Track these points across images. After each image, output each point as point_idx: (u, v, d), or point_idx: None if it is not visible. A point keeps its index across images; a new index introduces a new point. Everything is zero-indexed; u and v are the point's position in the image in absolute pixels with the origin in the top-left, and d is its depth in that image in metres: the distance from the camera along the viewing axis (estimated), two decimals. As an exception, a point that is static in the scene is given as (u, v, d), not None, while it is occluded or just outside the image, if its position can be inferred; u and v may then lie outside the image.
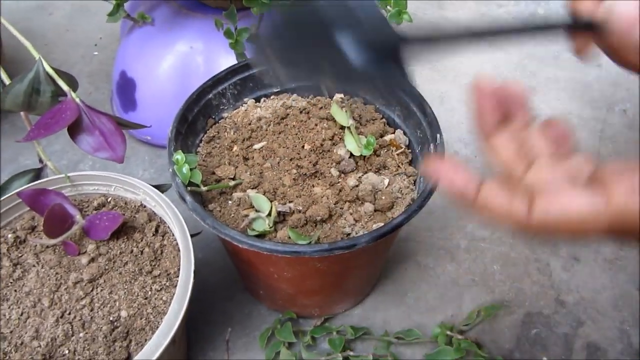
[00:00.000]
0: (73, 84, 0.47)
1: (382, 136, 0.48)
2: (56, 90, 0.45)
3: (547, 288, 0.56)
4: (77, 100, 0.44)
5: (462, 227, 0.61)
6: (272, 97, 0.52)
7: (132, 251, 0.41)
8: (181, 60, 0.63)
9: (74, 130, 0.43)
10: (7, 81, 0.49)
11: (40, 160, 0.51)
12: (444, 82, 0.76)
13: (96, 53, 0.82)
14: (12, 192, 0.42)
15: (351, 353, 0.49)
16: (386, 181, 0.45)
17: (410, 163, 0.47)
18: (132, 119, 0.67)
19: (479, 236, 0.60)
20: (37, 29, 0.86)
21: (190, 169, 0.42)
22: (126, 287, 0.40)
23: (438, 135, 0.43)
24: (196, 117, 0.47)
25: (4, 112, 0.69)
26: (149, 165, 0.67)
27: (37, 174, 0.51)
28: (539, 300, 0.55)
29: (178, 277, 0.40)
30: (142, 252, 0.41)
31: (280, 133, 0.48)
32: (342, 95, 0.51)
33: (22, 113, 0.50)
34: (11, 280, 0.40)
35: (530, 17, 0.87)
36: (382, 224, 0.41)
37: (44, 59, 0.47)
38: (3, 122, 0.72)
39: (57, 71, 0.46)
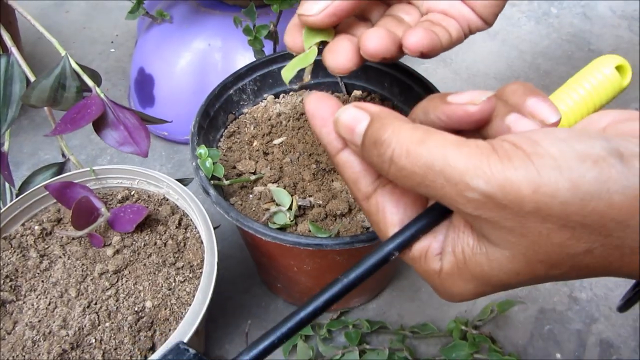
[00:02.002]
0: (97, 79, 0.48)
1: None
2: (81, 86, 0.46)
3: (560, 285, 0.56)
4: (102, 95, 0.45)
5: (476, 223, 0.61)
6: (291, 93, 0.52)
7: (155, 243, 0.42)
8: (199, 57, 0.64)
9: (99, 125, 0.44)
10: (31, 77, 0.50)
11: (63, 155, 0.52)
12: (458, 80, 0.77)
13: (113, 50, 0.83)
14: (39, 185, 0.43)
15: (367, 346, 0.50)
16: (404, 177, 0.45)
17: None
18: (150, 114, 0.68)
19: (493, 233, 0.60)
20: (54, 27, 0.87)
21: (213, 163, 0.42)
22: (150, 278, 0.40)
23: (456, 132, 0.44)
24: (217, 112, 0.48)
25: (24, 107, 0.70)
26: (166, 161, 0.68)
27: (60, 168, 0.51)
28: (552, 297, 0.56)
29: (201, 269, 0.41)
30: (165, 244, 0.42)
31: (299, 129, 0.48)
32: (360, 92, 0.52)
33: (46, 108, 0.51)
34: (38, 271, 0.41)
35: (544, 16, 0.87)
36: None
37: (55, 42, 0.48)
38: (22, 118, 0.73)
39: (82, 67, 0.47)
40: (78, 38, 0.86)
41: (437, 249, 0.25)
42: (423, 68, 0.78)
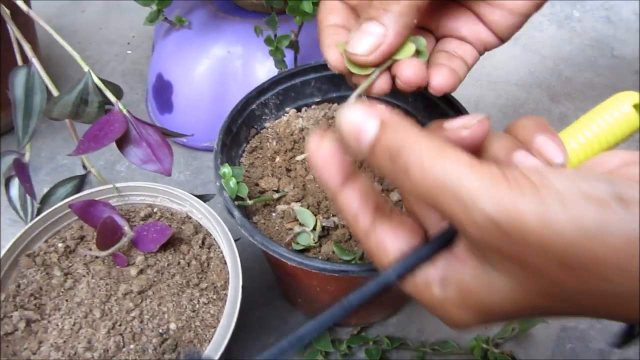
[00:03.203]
0: (119, 94, 0.47)
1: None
2: (103, 101, 0.46)
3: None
4: (125, 111, 0.45)
5: (497, 237, 0.60)
6: (313, 107, 0.52)
7: (179, 263, 0.42)
8: (219, 64, 0.63)
9: (122, 142, 0.43)
10: (52, 87, 0.50)
11: (84, 167, 0.52)
12: (478, 87, 0.76)
13: (129, 52, 0.82)
14: (63, 202, 0.43)
15: (388, 363, 0.50)
16: (429, 197, 0.45)
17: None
18: (168, 121, 0.67)
19: (514, 247, 0.60)
20: (70, 26, 0.87)
21: (237, 182, 0.42)
22: (174, 299, 0.40)
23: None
24: (240, 127, 0.47)
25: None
26: (184, 168, 0.67)
27: (82, 180, 0.51)
28: (574, 313, 0.55)
29: (224, 290, 0.41)
30: (189, 264, 0.42)
31: (322, 145, 0.48)
32: (383, 105, 0.51)
33: (67, 120, 0.50)
34: (62, 290, 0.41)
35: (567, 20, 0.85)
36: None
37: (78, 58, 0.48)
38: (41, 121, 0.73)
39: (104, 82, 0.46)
40: (94, 39, 0.85)
41: (438, 278, 0.25)
42: (443, 74, 0.76)
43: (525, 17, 0.36)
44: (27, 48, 0.51)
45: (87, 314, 0.40)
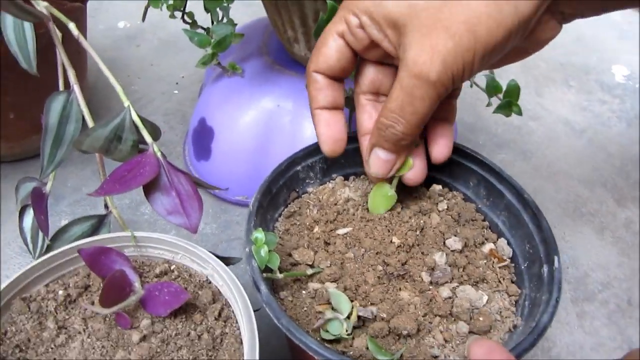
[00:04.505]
0: (156, 134, 0.43)
1: (482, 243, 0.42)
2: (137, 139, 0.42)
3: None
4: (159, 154, 0.40)
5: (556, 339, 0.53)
6: (362, 177, 0.47)
7: (189, 334, 0.36)
8: (265, 117, 0.59)
9: (150, 187, 0.39)
10: (90, 122, 0.47)
11: (106, 206, 0.48)
12: (537, 177, 0.70)
13: (176, 92, 0.80)
14: (73, 245, 0.39)
15: None
16: (485, 298, 0.39)
17: (513, 280, 0.41)
18: (204, 168, 0.64)
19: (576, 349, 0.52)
20: (122, 60, 0.86)
21: (269, 251, 0.37)
22: (176, 378, 0.34)
23: (556, 258, 0.37)
24: (280, 189, 0.43)
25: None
26: (211, 220, 0.63)
27: (100, 220, 0.47)
28: None
29: (235, 375, 0.35)
30: (199, 338, 0.36)
31: (368, 221, 0.43)
32: (440, 187, 0.46)
33: (97, 154, 0.47)
34: (52, 346, 0.36)
35: (637, 119, 0.80)
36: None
37: (124, 92, 0.44)
38: (72, 150, 0.70)
39: (142, 120, 0.42)
40: (144, 74, 0.84)
41: None
42: (499, 159, 0.71)
43: None
44: (70, 74, 0.48)
45: (74, 380, 0.34)
